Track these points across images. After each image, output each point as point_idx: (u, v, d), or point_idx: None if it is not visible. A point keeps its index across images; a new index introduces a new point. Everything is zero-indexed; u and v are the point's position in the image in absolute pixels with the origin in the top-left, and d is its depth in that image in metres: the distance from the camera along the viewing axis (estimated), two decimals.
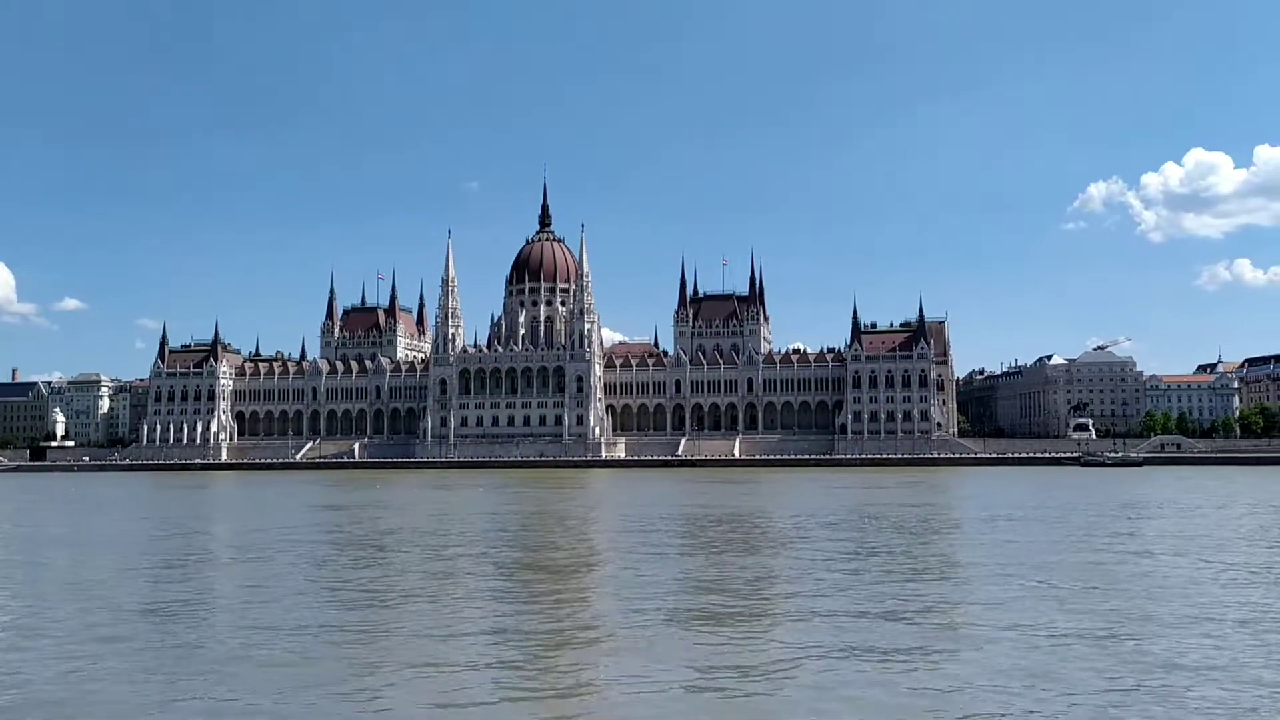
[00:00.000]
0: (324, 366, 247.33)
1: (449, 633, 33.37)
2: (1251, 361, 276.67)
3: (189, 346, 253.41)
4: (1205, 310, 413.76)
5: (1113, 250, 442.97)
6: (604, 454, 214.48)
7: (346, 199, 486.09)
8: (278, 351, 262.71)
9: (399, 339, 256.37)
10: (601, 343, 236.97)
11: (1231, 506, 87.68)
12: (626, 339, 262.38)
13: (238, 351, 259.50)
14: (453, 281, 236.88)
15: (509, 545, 62.66)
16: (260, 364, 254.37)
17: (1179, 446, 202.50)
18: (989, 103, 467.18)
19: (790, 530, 69.93)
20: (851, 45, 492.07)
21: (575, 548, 61.31)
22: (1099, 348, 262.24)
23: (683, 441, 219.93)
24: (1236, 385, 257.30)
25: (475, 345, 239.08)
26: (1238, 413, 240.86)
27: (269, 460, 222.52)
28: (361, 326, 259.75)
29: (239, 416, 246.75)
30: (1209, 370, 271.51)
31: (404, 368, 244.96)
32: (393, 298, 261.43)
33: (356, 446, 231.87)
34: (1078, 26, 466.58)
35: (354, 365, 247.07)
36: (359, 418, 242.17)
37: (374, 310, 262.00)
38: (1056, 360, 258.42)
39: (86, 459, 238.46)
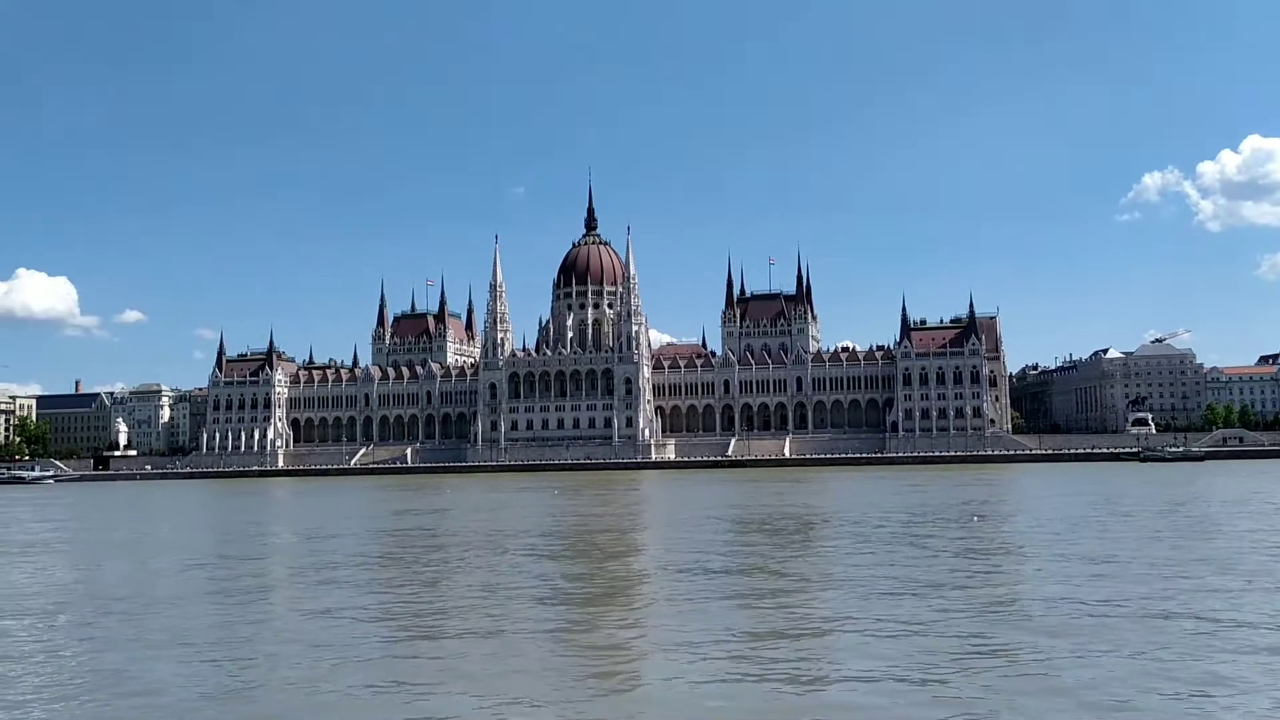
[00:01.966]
0: (376, 373, 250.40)
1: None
2: None
3: (245, 355, 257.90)
4: (1267, 300, 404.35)
5: (1169, 241, 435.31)
6: (654, 455, 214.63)
7: (396, 207, 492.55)
8: (330, 359, 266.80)
9: (449, 344, 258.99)
10: (649, 344, 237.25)
11: None
12: (674, 340, 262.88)
13: (292, 360, 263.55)
14: (500, 286, 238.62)
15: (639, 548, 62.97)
16: (314, 371, 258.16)
17: (1241, 440, 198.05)
18: (1040, 95, 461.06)
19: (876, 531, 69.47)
20: (900, 46, 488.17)
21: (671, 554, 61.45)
22: (1157, 340, 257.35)
23: (732, 442, 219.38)
24: None
25: (524, 349, 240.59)
26: None
27: (324, 466, 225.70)
28: (412, 333, 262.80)
29: (294, 423, 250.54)
30: (1271, 361, 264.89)
31: (454, 373, 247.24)
32: (442, 304, 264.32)
33: (409, 451, 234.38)
34: (1129, 16, 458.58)
35: (405, 371, 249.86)
36: (410, 423, 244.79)
37: (423, 316, 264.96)
38: (1113, 354, 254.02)
39: (148, 468, 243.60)
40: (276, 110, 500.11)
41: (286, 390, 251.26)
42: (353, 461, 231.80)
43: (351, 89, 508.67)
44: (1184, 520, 69.95)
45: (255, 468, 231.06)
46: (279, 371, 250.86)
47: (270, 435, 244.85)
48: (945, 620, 33.30)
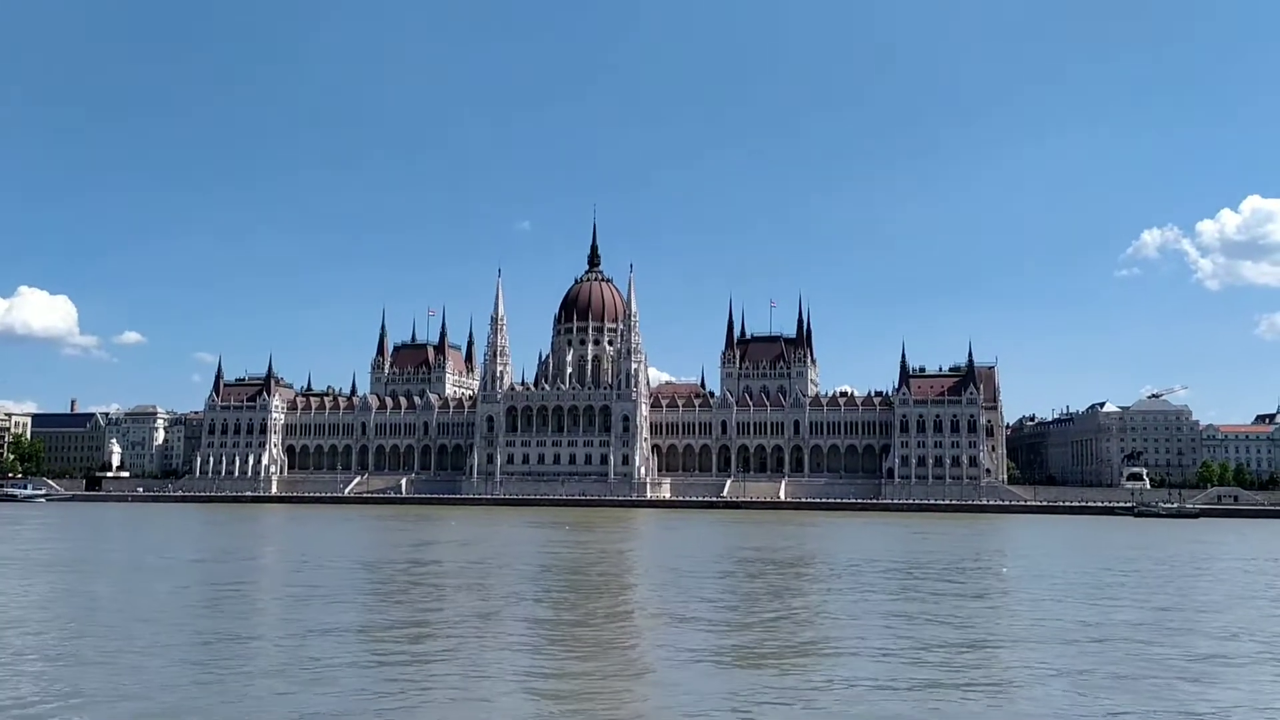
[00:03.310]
0: (374, 402, 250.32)
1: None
2: None
3: (243, 380, 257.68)
4: (1264, 359, 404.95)
5: (1168, 297, 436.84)
6: (649, 494, 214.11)
7: (401, 237, 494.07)
8: (329, 386, 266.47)
9: (448, 375, 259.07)
10: (648, 382, 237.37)
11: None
12: (673, 379, 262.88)
13: (290, 386, 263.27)
14: (502, 320, 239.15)
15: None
16: (311, 398, 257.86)
17: (1236, 498, 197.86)
18: (1044, 148, 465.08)
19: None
20: (905, 93, 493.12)
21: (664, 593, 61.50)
22: (1153, 396, 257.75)
23: (728, 483, 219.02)
24: None
25: (523, 383, 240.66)
26: None
27: (317, 494, 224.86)
28: (411, 363, 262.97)
29: (289, 450, 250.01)
30: (1268, 421, 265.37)
31: (452, 404, 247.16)
32: (442, 335, 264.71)
33: (404, 482, 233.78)
34: (1135, 73, 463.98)
35: (403, 401, 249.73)
36: (407, 453, 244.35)
37: (424, 347, 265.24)
38: (1110, 408, 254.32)
39: (140, 489, 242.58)
40: (283, 139, 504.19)
41: (283, 416, 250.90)
42: (347, 490, 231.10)
43: (359, 119, 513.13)
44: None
45: (249, 493, 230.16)
46: (276, 397, 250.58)
47: (265, 461, 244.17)
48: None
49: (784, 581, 65.67)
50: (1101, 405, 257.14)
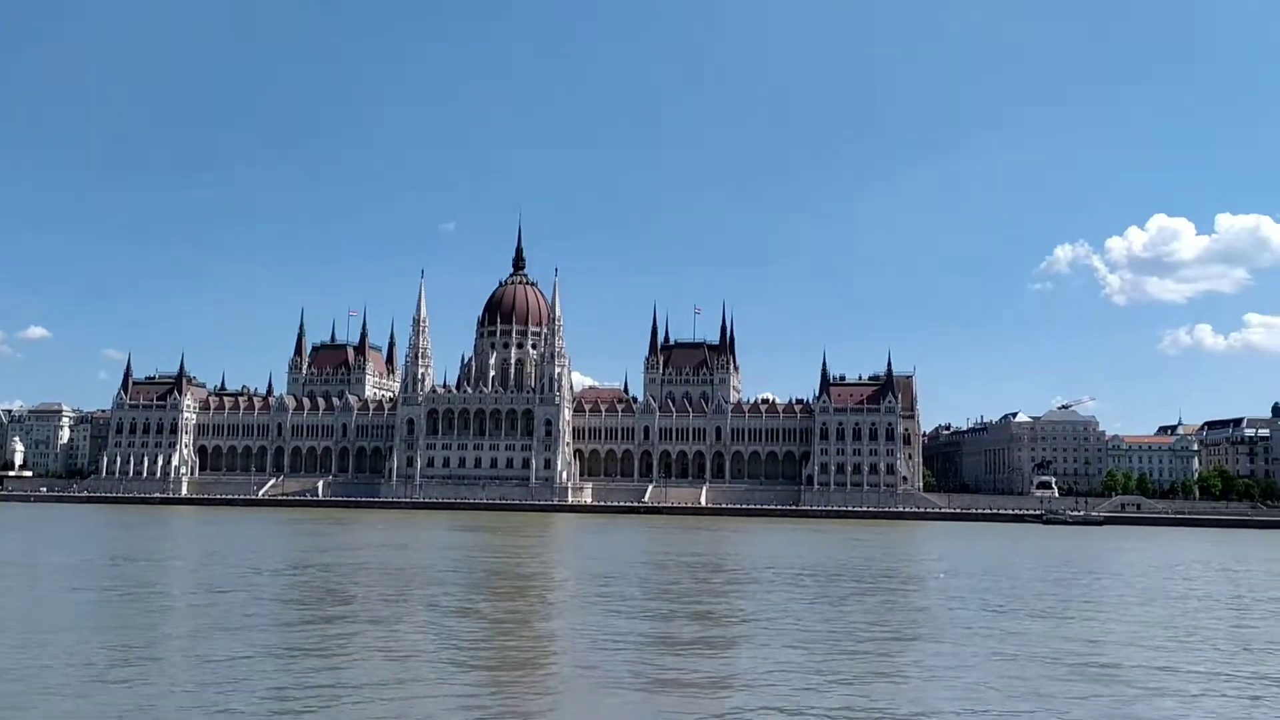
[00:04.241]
0: (290, 402, 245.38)
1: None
2: (1211, 425, 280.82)
3: (153, 379, 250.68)
4: (1167, 373, 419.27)
5: (1078, 312, 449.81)
6: (570, 499, 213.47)
7: (321, 235, 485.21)
8: (244, 386, 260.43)
9: (368, 377, 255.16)
10: (571, 387, 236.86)
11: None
12: (597, 384, 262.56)
13: (202, 385, 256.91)
14: (424, 321, 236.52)
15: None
16: (225, 398, 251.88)
17: (1139, 507, 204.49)
18: (961, 164, 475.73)
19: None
20: (827, 105, 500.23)
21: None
22: (1063, 407, 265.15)
23: (650, 488, 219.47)
24: (1196, 448, 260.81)
25: (444, 385, 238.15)
26: (1197, 475, 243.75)
27: (230, 496, 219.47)
28: (330, 364, 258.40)
29: (201, 451, 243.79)
30: (1169, 432, 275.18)
31: (371, 406, 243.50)
32: (363, 336, 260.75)
33: (320, 484, 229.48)
34: (1047, 95, 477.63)
35: (321, 402, 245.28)
36: (324, 455, 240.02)
37: (343, 348, 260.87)
38: (1021, 418, 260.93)
39: (44, 490, 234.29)
40: (199, 131, 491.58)
41: (195, 416, 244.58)
42: (260, 492, 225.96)
43: (280, 113, 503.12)
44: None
45: (157, 495, 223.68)
46: (188, 396, 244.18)
47: (175, 462, 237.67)
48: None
49: (710, 588, 65.94)
50: (1014, 415, 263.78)
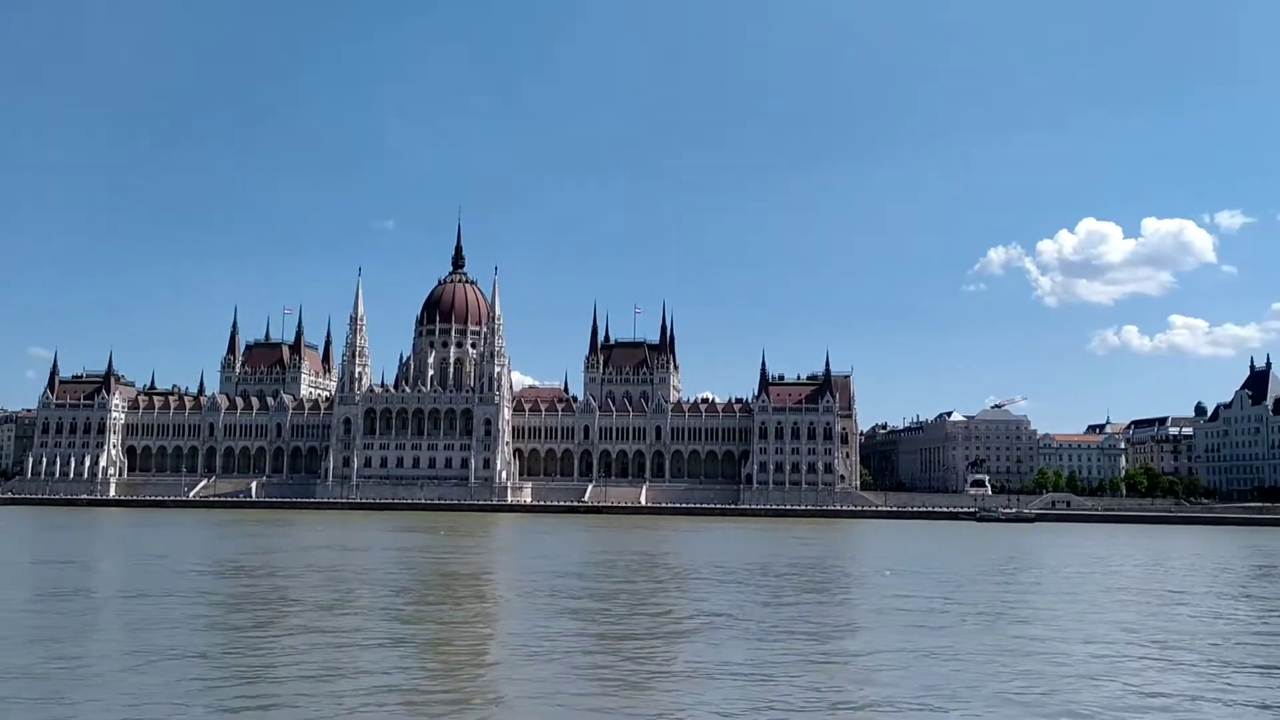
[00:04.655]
0: (223, 402, 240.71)
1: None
2: (1137, 424, 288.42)
3: (81, 377, 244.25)
4: (1095, 373, 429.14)
5: (1011, 313, 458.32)
6: (510, 499, 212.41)
7: (256, 231, 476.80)
8: (175, 385, 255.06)
9: (303, 376, 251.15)
10: (511, 386, 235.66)
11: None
12: (537, 383, 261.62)
13: (132, 384, 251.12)
14: (361, 319, 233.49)
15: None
16: (155, 397, 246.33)
17: (1069, 504, 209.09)
18: (898, 166, 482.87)
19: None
20: (768, 103, 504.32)
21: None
22: (996, 406, 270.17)
23: (590, 488, 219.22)
24: (1123, 446, 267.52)
25: (382, 385, 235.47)
26: (1124, 472, 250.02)
27: (160, 498, 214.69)
28: (264, 362, 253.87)
29: (130, 451, 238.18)
30: (1098, 431, 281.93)
31: (307, 406, 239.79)
32: (298, 334, 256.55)
33: (254, 485, 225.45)
34: (984, 100, 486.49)
35: (255, 401, 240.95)
36: (258, 455, 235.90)
37: (278, 346, 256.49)
38: (956, 417, 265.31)
39: None
40: (130, 123, 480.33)
41: (124, 416, 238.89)
42: (192, 493, 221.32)
43: (214, 109, 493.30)
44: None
45: (84, 496, 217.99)
46: (117, 395, 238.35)
47: (103, 463, 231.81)
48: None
49: (655, 588, 66.03)
50: (949, 415, 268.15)
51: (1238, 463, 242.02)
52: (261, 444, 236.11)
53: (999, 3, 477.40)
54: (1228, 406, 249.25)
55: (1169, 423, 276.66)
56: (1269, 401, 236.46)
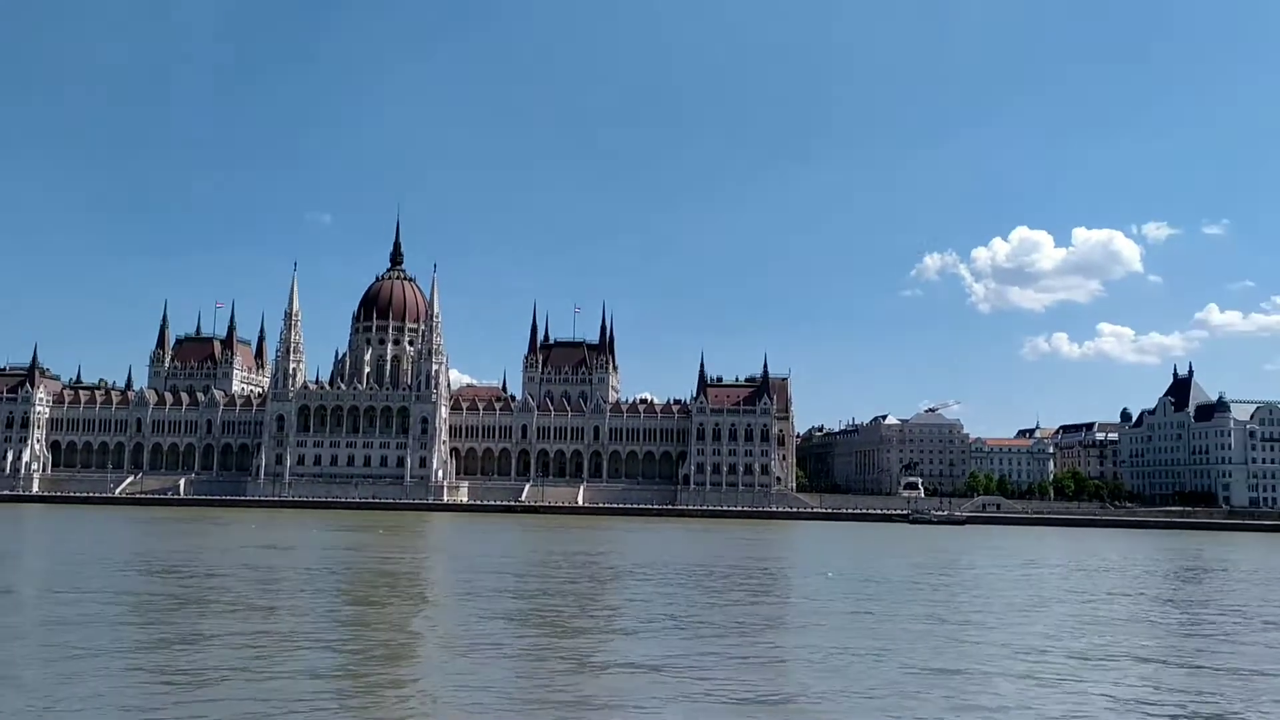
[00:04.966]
0: (151, 397, 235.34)
1: None
2: (1066, 429, 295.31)
3: (3, 370, 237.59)
4: (1026, 379, 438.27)
5: (945, 318, 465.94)
6: (446, 498, 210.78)
7: (187, 224, 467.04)
8: (101, 380, 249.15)
9: (235, 372, 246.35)
10: (449, 385, 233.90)
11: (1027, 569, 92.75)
12: (475, 382, 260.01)
13: (56, 378, 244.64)
14: (296, 315, 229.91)
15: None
16: (81, 391, 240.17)
17: (999, 507, 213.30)
18: (838, 171, 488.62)
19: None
20: (712, 112, 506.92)
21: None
22: (930, 410, 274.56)
23: (527, 487, 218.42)
24: (1052, 450, 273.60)
25: (317, 382, 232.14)
26: (1052, 476, 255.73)
27: (85, 494, 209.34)
28: (195, 357, 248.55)
29: (54, 446, 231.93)
30: (1028, 435, 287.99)
31: (239, 402, 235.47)
32: (231, 329, 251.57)
33: (182, 482, 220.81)
34: (921, 108, 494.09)
35: (185, 397, 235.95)
36: (187, 452, 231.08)
37: (210, 341, 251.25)
38: (891, 420, 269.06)
39: None
40: (54, 108, 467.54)
41: (48, 410, 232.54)
42: (118, 490, 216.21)
43: (141, 93, 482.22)
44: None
45: (6, 492, 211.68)
46: (41, 389, 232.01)
47: (26, 458, 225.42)
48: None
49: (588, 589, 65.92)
50: (883, 418, 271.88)
51: (1160, 468, 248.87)
52: (191, 440, 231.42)
53: (937, 13, 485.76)
54: (1151, 413, 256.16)
55: (1095, 428, 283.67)
56: (1190, 409, 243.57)
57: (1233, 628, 51.88)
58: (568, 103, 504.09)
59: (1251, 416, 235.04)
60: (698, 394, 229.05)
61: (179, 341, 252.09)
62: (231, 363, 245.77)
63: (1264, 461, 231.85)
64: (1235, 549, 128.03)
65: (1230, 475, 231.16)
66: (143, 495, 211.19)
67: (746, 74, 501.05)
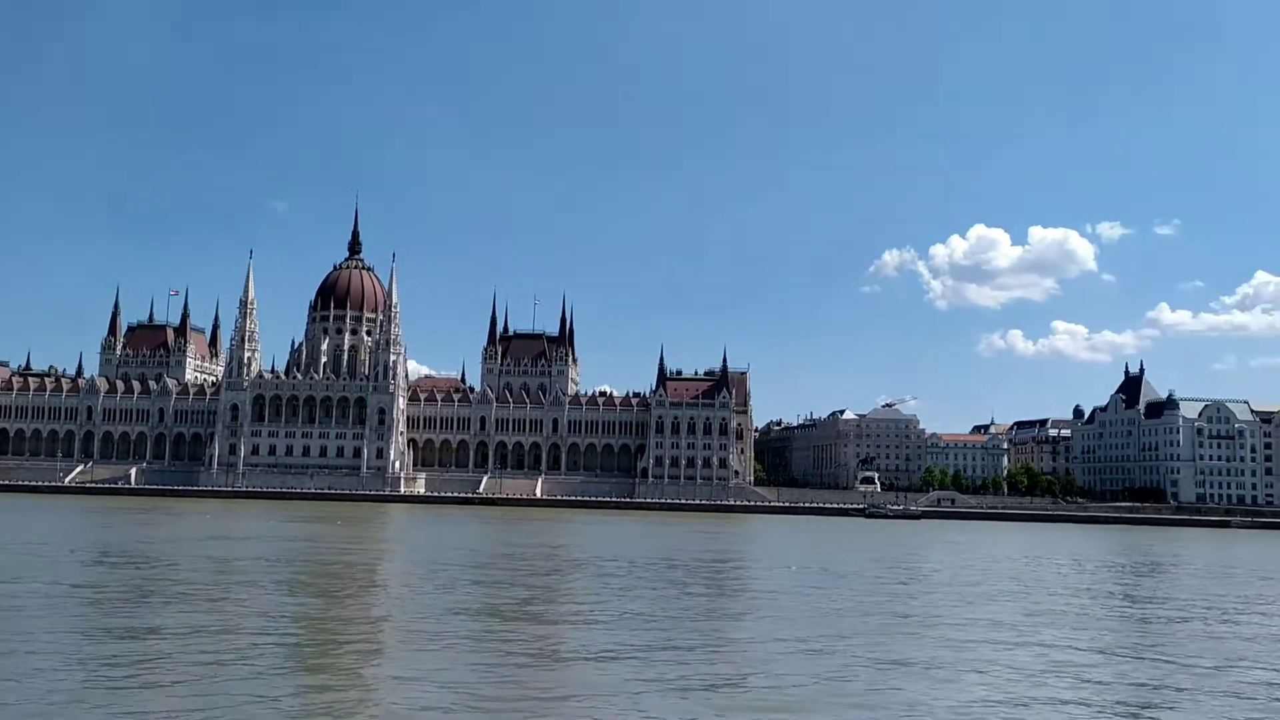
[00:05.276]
0: (102, 384, 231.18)
1: None
2: (1019, 425, 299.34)
3: None
4: (982, 375, 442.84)
5: (903, 315, 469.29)
6: (403, 489, 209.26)
7: (142, 210, 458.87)
8: (51, 366, 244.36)
9: (189, 360, 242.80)
10: (407, 375, 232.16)
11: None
12: (433, 373, 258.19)
13: (5, 364, 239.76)
14: (252, 303, 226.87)
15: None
16: (30, 378, 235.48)
17: (954, 501, 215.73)
18: (799, 167, 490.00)
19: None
20: (671, 100, 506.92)
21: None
22: (887, 405, 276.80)
23: (485, 479, 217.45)
24: (1006, 446, 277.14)
25: (273, 371, 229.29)
26: (1006, 471, 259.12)
27: (33, 483, 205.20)
28: (148, 345, 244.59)
29: (2, 434, 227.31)
30: (983, 431, 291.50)
31: (193, 390, 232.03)
32: (184, 316, 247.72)
33: (134, 471, 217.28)
34: (883, 105, 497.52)
35: (137, 385, 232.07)
36: (138, 441, 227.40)
37: (163, 329, 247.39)
38: (848, 415, 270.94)
39: None
40: (6, 95, 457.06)
41: None
42: (67, 479, 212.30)
43: (103, 79, 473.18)
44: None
45: None
46: None
47: None
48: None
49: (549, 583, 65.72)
50: (841, 413, 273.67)
51: (1111, 464, 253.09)
52: (143, 429, 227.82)
53: (899, 12, 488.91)
54: (1103, 410, 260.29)
55: (1049, 424, 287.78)
56: (1141, 406, 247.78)
57: (1180, 622, 52.86)
58: (529, 93, 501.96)
59: (1200, 414, 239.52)
60: (657, 387, 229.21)
61: (131, 329, 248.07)
62: (185, 351, 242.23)
63: (1211, 459, 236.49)
64: (1183, 544, 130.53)
65: (1178, 472, 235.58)
66: (93, 484, 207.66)
67: (708, 68, 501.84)
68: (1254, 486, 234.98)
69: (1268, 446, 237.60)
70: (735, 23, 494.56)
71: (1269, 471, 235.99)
